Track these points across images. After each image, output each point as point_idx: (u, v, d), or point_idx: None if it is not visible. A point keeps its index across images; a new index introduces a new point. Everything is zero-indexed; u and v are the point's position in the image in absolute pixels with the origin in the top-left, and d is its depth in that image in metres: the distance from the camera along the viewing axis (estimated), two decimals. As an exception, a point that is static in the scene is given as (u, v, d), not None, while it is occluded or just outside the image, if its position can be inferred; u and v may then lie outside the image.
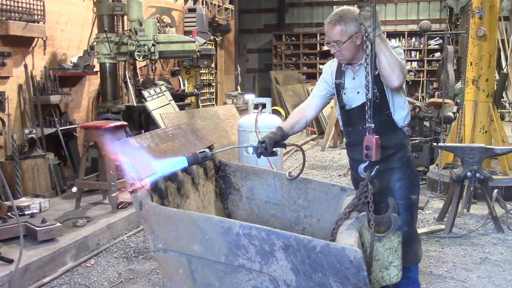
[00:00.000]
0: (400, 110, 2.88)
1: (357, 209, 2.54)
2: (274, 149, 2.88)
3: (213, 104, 11.06)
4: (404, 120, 2.92)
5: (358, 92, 2.86)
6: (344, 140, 3.28)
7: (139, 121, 7.01)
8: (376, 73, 2.65)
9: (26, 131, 5.56)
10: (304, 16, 17.18)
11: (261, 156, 2.88)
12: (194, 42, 6.80)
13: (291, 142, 3.17)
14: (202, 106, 9.27)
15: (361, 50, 2.77)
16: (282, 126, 3.03)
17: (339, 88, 2.95)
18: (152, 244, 2.44)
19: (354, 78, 2.90)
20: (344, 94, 2.93)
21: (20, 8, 5.75)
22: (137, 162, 2.38)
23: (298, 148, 3.16)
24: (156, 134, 2.83)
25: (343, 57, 2.83)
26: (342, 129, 3.20)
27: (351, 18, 2.72)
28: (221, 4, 11.67)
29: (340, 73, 2.94)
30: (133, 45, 6.31)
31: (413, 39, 15.67)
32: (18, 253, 3.36)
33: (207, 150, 2.68)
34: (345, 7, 2.82)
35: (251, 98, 6.75)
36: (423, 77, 15.43)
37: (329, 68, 3.04)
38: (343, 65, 2.92)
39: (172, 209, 2.44)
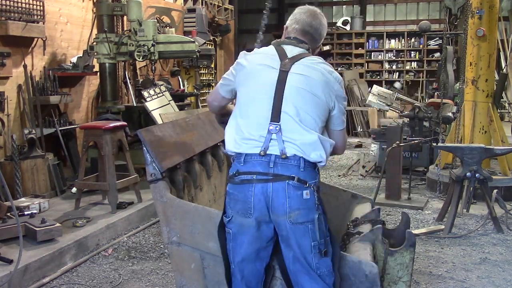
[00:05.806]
0: None
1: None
2: None
3: (213, 104, 11.03)
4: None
5: None
6: None
7: (139, 121, 6.99)
8: None
9: (26, 131, 5.55)
10: (303, 16, 17.15)
11: None
12: (193, 42, 6.78)
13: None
14: (201, 106, 9.26)
15: None
16: None
17: None
18: (166, 236, 2.43)
19: None
20: None
21: (20, 8, 5.74)
22: None
23: None
24: (177, 124, 2.84)
25: None
26: None
27: None
28: (220, 4, 11.66)
29: None
30: (132, 45, 6.30)
31: (413, 39, 15.65)
32: (17, 253, 3.37)
33: None
34: None
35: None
36: (422, 77, 15.41)
37: None
38: None
39: (190, 203, 2.43)
